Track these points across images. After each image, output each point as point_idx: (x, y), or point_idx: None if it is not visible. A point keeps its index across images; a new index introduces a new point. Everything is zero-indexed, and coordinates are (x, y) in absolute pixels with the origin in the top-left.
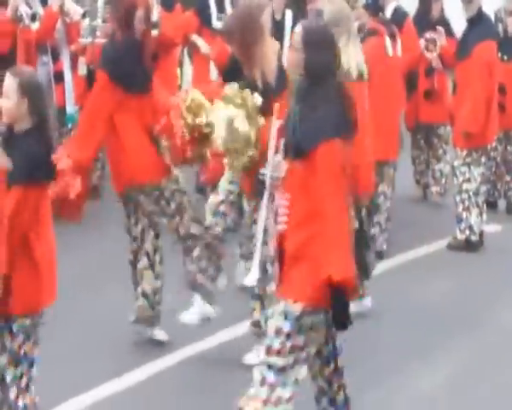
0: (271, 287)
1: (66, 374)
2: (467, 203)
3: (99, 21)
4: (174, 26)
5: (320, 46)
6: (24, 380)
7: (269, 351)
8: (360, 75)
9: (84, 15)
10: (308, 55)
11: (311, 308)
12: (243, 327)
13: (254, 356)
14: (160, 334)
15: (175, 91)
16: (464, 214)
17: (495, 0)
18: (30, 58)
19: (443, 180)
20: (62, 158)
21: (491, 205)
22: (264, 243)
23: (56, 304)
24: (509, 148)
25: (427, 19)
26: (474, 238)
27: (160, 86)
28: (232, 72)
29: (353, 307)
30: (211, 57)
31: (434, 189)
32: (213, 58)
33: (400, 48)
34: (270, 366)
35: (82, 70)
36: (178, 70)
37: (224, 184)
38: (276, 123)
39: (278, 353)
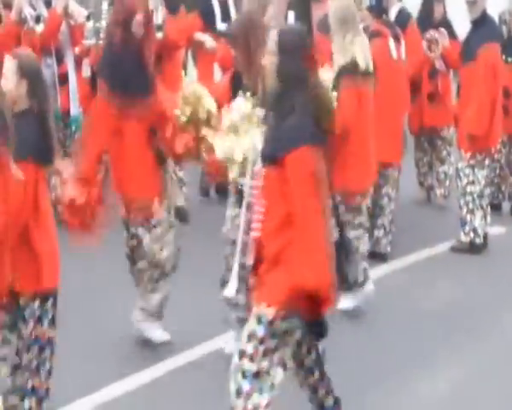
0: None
1: (69, 377)
2: (471, 206)
3: (103, 23)
4: (178, 29)
5: (293, 52)
6: (34, 363)
7: (242, 356)
8: (367, 71)
9: (88, 17)
10: (281, 61)
11: (285, 313)
12: None
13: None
14: (162, 335)
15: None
16: (468, 217)
17: (499, 2)
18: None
19: (447, 182)
20: (67, 169)
21: (496, 207)
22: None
23: (60, 306)
24: None
25: (430, 21)
26: (478, 241)
27: (164, 89)
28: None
29: (356, 298)
30: (215, 53)
31: (438, 191)
32: (217, 60)
33: (404, 50)
34: (244, 374)
35: (86, 72)
36: (182, 72)
37: None
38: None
39: (251, 358)
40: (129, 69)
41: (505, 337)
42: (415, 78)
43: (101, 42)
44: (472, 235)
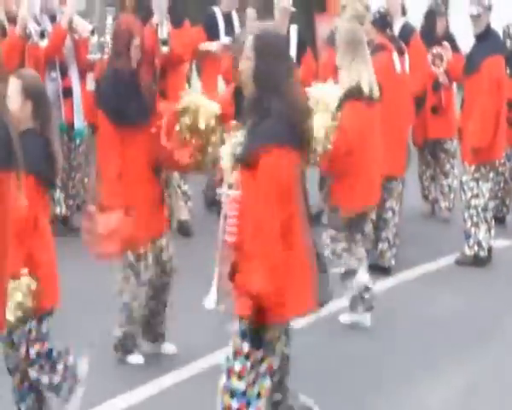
0: None
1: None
2: (475, 219)
3: (107, 38)
4: (183, 43)
5: (269, 55)
6: (33, 334)
7: (230, 374)
8: (371, 97)
9: (92, 32)
10: (256, 64)
11: (258, 324)
12: None
13: None
14: (170, 348)
15: None
16: (473, 230)
17: (504, 16)
18: (38, 75)
19: (451, 195)
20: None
21: (500, 220)
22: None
23: (64, 317)
24: None
25: (432, 35)
26: (482, 254)
27: (166, 108)
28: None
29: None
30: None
31: (443, 204)
32: (222, 72)
33: (408, 63)
34: (232, 394)
35: (90, 86)
36: (187, 85)
37: None
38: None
39: (239, 376)
40: (124, 98)
41: (508, 349)
42: (419, 94)
43: (105, 56)
44: (476, 248)
